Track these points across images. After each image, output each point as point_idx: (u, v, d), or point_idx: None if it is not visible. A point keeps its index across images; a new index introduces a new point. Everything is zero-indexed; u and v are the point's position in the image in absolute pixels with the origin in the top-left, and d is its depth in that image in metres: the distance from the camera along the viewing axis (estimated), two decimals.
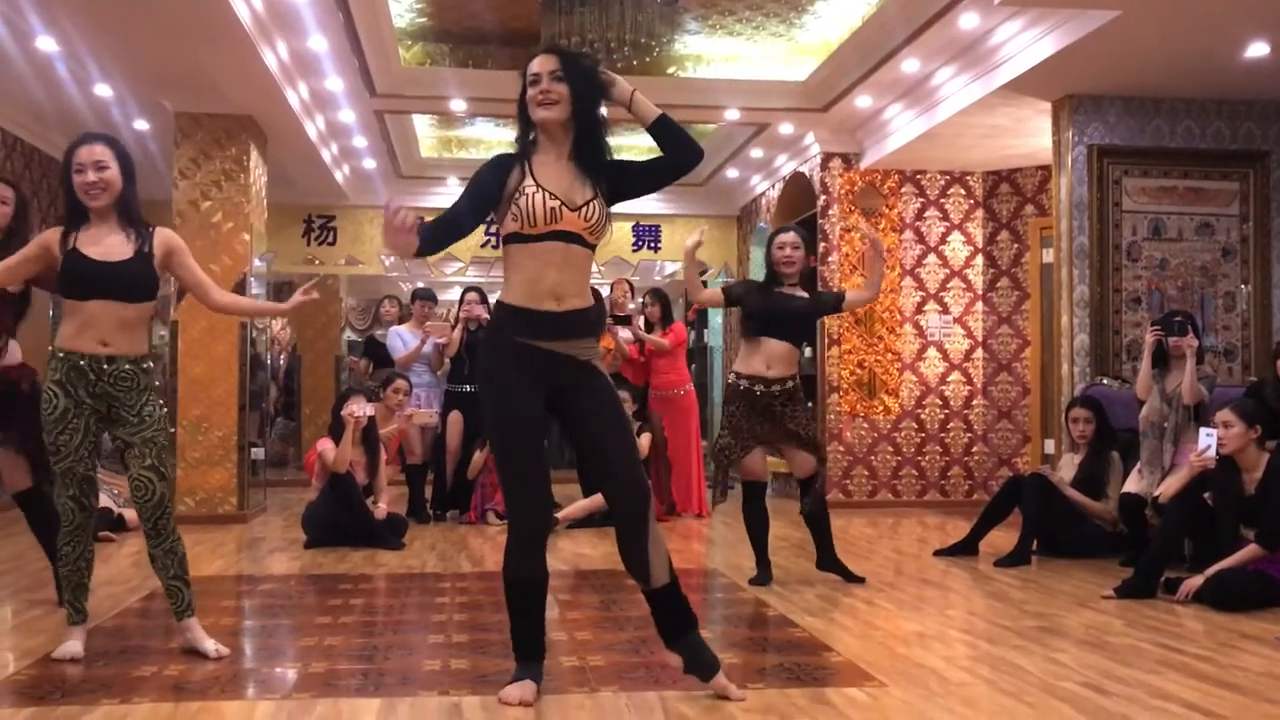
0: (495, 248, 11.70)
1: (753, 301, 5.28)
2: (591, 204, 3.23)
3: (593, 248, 3.29)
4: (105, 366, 3.68)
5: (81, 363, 3.67)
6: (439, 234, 3.26)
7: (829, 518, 5.40)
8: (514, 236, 3.23)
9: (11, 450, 4.54)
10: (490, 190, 3.26)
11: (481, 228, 11.88)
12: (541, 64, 3.23)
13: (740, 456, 5.20)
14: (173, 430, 7.86)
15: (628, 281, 9.18)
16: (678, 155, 3.32)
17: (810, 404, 5.39)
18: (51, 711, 3.10)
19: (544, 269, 3.21)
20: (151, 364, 3.83)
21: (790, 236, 5.34)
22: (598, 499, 7.63)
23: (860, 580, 5.28)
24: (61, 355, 3.69)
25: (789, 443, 5.24)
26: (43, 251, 3.77)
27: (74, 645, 3.71)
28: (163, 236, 3.84)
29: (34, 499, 4.63)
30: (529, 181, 3.21)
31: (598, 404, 3.26)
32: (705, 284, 12.50)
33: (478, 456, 7.87)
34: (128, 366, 3.71)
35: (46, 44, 6.75)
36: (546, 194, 3.18)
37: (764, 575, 5.28)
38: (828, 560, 5.37)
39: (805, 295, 5.37)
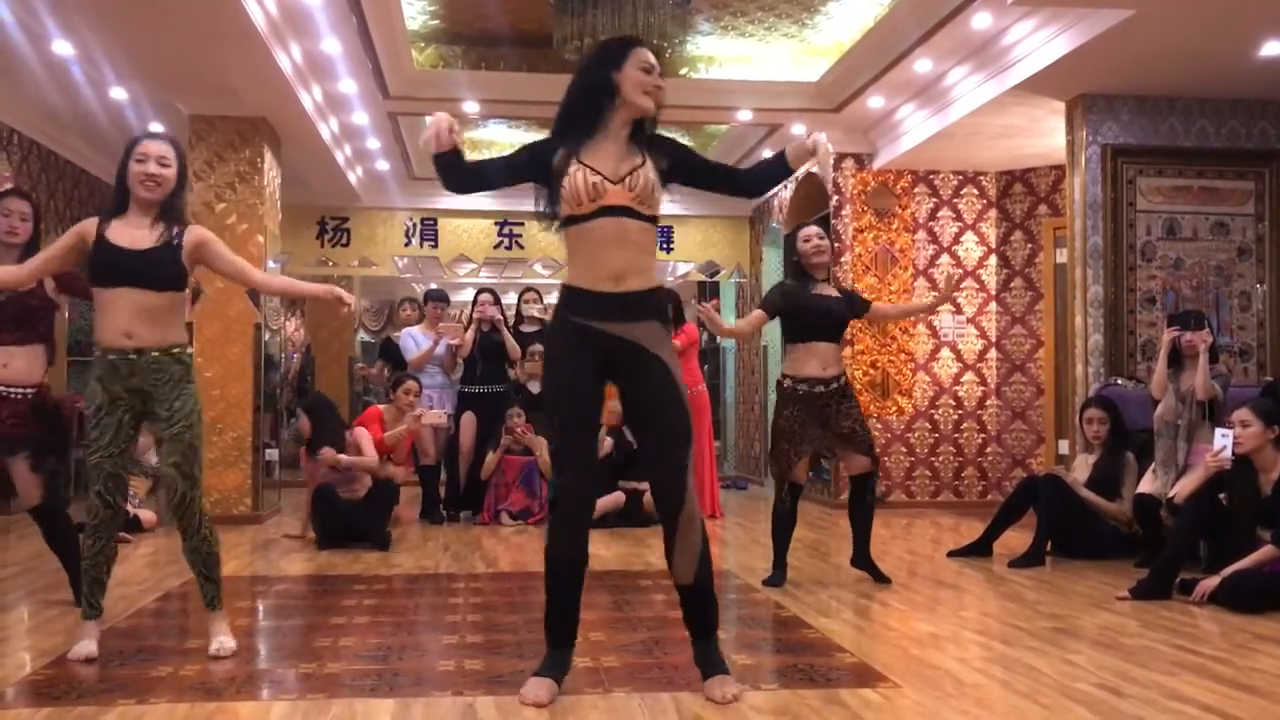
0: (508, 249, 11.73)
1: (794, 305, 5.28)
2: (637, 172, 3.24)
3: (649, 220, 3.29)
4: (134, 358, 3.71)
5: (111, 357, 3.72)
6: (468, 172, 3.39)
7: (872, 518, 5.45)
8: (568, 220, 3.28)
9: (28, 466, 4.53)
10: (524, 165, 3.35)
11: (494, 229, 11.97)
12: (652, 60, 3.29)
13: (796, 462, 5.23)
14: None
15: None
16: (755, 189, 3.64)
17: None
18: (68, 712, 3.11)
19: (600, 249, 3.23)
20: (189, 353, 3.86)
21: (814, 229, 5.41)
22: (611, 499, 7.65)
23: (887, 581, 5.30)
24: (98, 352, 3.77)
25: (843, 445, 5.28)
26: (79, 241, 3.82)
27: (88, 645, 3.73)
28: (194, 231, 3.89)
29: (46, 514, 4.63)
30: (574, 162, 3.25)
31: (649, 396, 3.26)
32: (718, 285, 12.52)
33: (490, 458, 7.88)
34: (157, 355, 3.73)
35: (62, 48, 6.79)
36: (587, 170, 3.22)
37: (779, 576, 5.28)
38: (862, 559, 5.40)
39: (838, 294, 5.40)
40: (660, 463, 3.26)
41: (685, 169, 3.42)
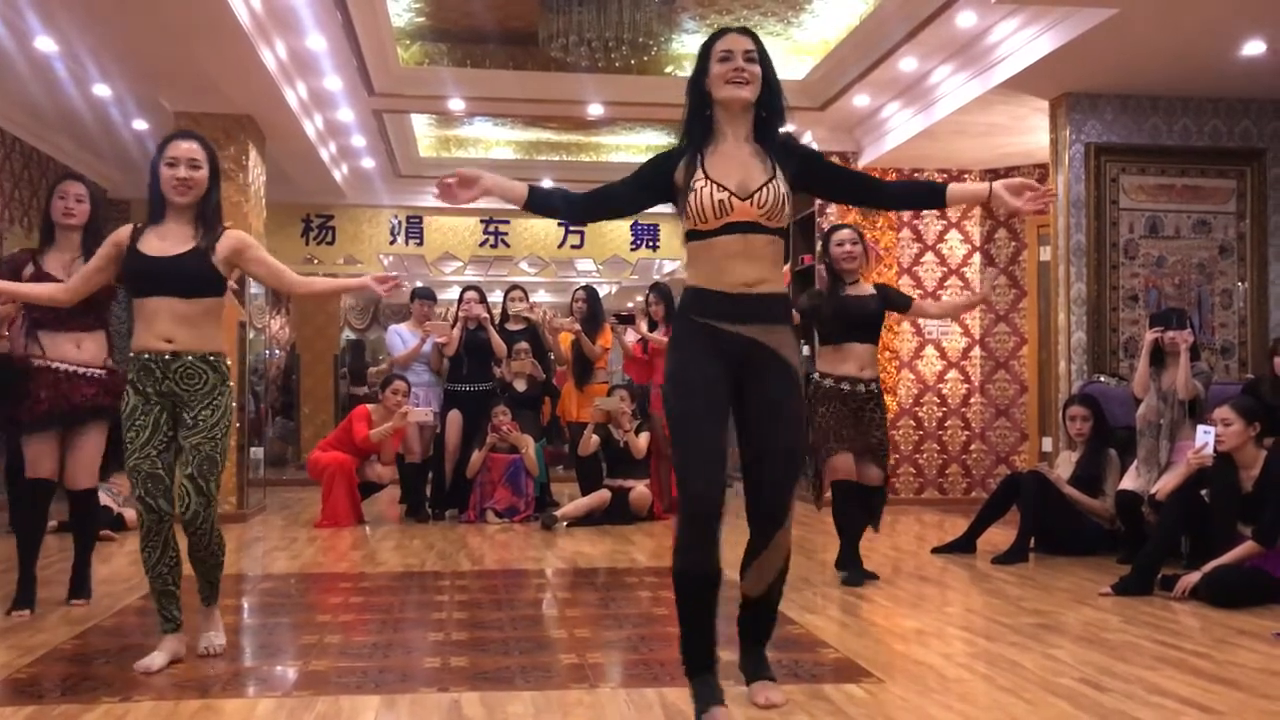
0: (494, 247, 11.72)
1: (828, 308, 5.30)
2: (766, 187, 3.03)
3: (776, 232, 3.08)
4: (169, 361, 3.62)
5: (146, 358, 3.64)
6: (590, 203, 3.28)
7: (864, 530, 5.46)
8: (692, 234, 3.10)
9: (103, 435, 4.55)
10: (651, 180, 3.19)
11: (480, 227, 11.92)
12: (735, 42, 3.12)
13: (827, 458, 5.24)
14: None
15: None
16: (895, 204, 3.51)
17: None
18: (51, 710, 3.11)
19: (724, 261, 3.04)
20: (226, 362, 3.76)
21: (848, 233, 5.39)
22: (598, 496, 7.65)
23: (874, 577, 5.32)
24: (132, 356, 3.70)
25: (864, 455, 5.30)
26: (115, 250, 3.77)
27: (157, 657, 3.57)
28: (230, 236, 3.78)
29: (87, 497, 4.65)
30: (699, 175, 3.06)
31: (769, 401, 3.04)
32: None
33: (476, 455, 7.87)
34: (191, 360, 3.64)
35: (45, 44, 6.75)
36: (715, 186, 3.02)
37: (857, 575, 5.26)
38: (848, 561, 5.42)
39: (873, 292, 5.40)
40: (761, 475, 3.06)
41: (812, 176, 3.22)
